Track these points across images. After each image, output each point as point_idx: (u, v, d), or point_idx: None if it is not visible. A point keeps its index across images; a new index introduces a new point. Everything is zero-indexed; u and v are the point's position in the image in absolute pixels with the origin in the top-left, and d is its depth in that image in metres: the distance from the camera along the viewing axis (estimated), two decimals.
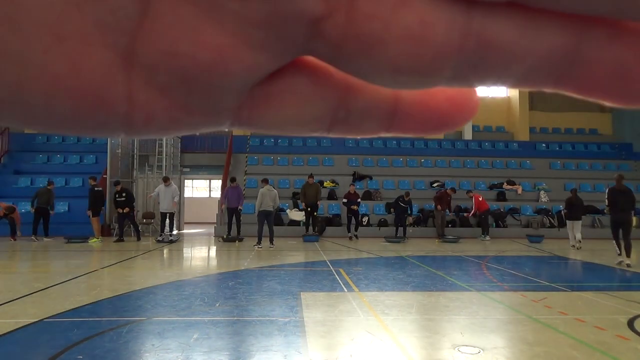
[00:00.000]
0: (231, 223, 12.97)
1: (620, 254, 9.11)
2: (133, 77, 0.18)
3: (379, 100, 0.21)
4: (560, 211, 15.70)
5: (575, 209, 12.09)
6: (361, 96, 0.21)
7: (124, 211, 13.01)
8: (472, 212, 15.03)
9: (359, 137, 0.23)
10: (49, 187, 13.23)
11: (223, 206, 13.06)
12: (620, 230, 9.09)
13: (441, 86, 0.19)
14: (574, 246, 12.11)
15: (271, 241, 11.47)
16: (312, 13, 0.17)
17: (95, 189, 13.26)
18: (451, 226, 15.86)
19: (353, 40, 0.17)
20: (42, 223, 12.94)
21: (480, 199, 14.87)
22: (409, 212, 14.65)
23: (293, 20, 0.17)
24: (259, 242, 11.29)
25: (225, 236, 13.15)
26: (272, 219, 11.70)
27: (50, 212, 13.08)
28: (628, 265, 8.78)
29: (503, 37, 0.18)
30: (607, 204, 9.51)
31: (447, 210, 15.04)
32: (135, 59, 0.18)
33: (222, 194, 14.00)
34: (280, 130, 0.22)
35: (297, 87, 0.20)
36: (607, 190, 9.61)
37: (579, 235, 12.04)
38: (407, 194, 14.60)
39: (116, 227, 14.69)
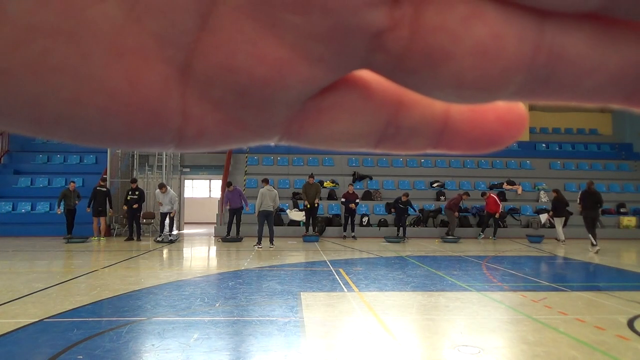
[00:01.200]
0: (231, 223, 12.98)
1: (595, 244, 11.14)
2: (188, 92, 0.18)
3: (429, 118, 0.21)
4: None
5: (561, 207, 13.42)
6: (412, 113, 0.21)
7: (134, 207, 13.17)
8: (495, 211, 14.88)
9: (403, 153, 0.23)
10: (70, 188, 13.28)
11: (227, 206, 13.03)
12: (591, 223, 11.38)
13: (502, 100, 0.19)
14: (563, 241, 13.47)
15: (271, 241, 11.48)
16: (376, 26, 0.16)
17: (97, 188, 13.33)
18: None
19: (417, 54, 0.17)
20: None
21: (486, 200, 14.83)
22: (408, 213, 14.66)
23: (356, 33, 0.17)
24: (259, 242, 11.30)
25: (224, 236, 13.16)
26: (272, 219, 11.72)
27: (87, 209, 13.27)
28: (596, 251, 11.06)
29: (575, 50, 0.17)
30: (578, 202, 11.93)
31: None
32: (191, 74, 0.17)
33: (222, 199, 14.05)
34: (328, 145, 0.22)
35: (349, 102, 0.20)
36: (580, 193, 12.15)
37: (560, 232, 13.62)
38: (406, 194, 14.60)
39: (116, 227, 14.74)
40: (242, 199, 12.86)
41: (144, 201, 13.63)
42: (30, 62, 0.16)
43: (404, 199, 14.36)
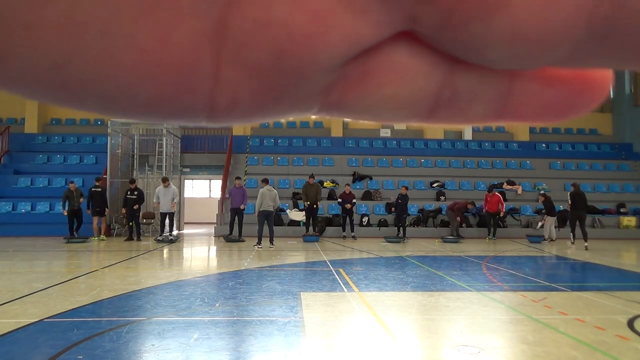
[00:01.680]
0: (233, 223, 12.99)
1: (573, 243, 12.75)
2: (222, 54, 0.16)
3: (491, 77, 0.18)
4: (559, 211, 15.77)
5: (552, 207, 14.18)
6: (471, 71, 0.18)
7: (134, 207, 13.19)
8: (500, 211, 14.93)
9: (463, 126, 0.20)
10: (71, 189, 13.27)
11: (227, 197, 13.06)
12: (578, 222, 12.63)
13: (553, 64, 0.17)
14: (551, 240, 14.03)
15: (271, 241, 11.50)
16: None
17: (92, 189, 13.30)
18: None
19: (469, 2, 0.15)
20: (75, 224, 13.24)
21: (488, 198, 14.82)
22: (408, 212, 14.65)
23: None
24: (259, 242, 11.33)
25: (227, 235, 13.17)
26: (272, 219, 11.73)
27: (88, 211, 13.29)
28: (586, 248, 11.93)
29: None
30: (569, 203, 12.84)
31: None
32: (225, 32, 0.16)
33: (224, 192, 14.16)
34: (373, 115, 0.20)
35: (396, 61, 0.18)
36: (569, 193, 13.01)
37: (553, 231, 14.21)
38: (406, 187, 14.68)
39: (116, 227, 14.74)
40: (244, 197, 12.89)
41: (143, 201, 13.63)
42: (57, 16, 0.15)
43: (403, 191, 14.36)
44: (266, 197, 11.48)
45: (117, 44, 0.15)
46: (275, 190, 11.92)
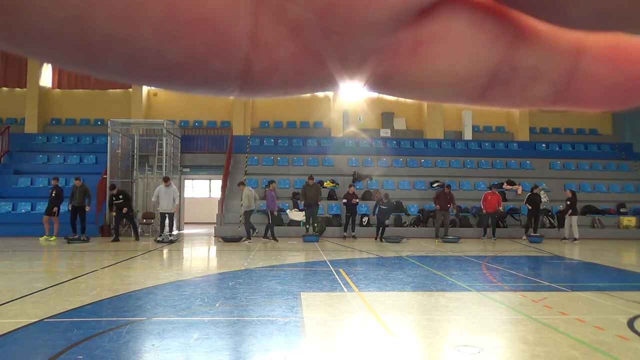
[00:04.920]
0: (269, 226, 13.58)
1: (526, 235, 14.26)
2: (260, 9, 0.14)
3: (555, 54, 0.16)
4: (559, 211, 15.79)
5: (537, 206, 14.91)
6: (534, 48, 0.16)
7: (123, 212, 13.14)
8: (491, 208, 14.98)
9: (517, 109, 0.18)
10: (77, 185, 13.17)
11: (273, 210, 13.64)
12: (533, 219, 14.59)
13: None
14: (574, 239, 14.24)
15: (249, 237, 13.10)
16: None
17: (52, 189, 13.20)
18: (451, 226, 15.86)
19: None
20: (80, 221, 13.14)
21: (489, 198, 14.83)
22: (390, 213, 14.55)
23: None
24: (249, 238, 13.06)
25: (264, 235, 13.55)
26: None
27: (86, 208, 13.14)
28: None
29: None
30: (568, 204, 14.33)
31: (451, 210, 15.00)
32: None
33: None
34: (422, 92, 0.17)
35: (454, 31, 0.16)
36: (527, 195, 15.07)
37: (576, 230, 14.43)
38: (386, 195, 14.39)
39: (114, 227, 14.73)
40: (274, 201, 13.52)
41: (130, 201, 13.61)
42: None
43: (385, 199, 14.14)
44: (252, 198, 13.02)
45: None
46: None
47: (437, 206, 14.72)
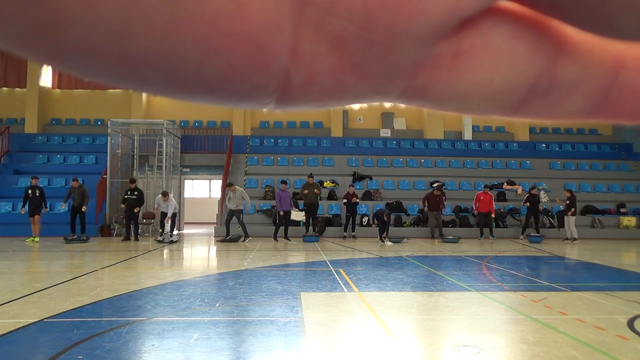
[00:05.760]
0: (280, 226, 13.78)
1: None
2: (302, 22, 0.14)
3: (595, 67, 0.16)
4: (559, 211, 15.80)
5: (535, 206, 15.02)
6: (573, 60, 0.16)
7: (135, 210, 13.15)
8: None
9: (550, 122, 0.18)
10: (74, 185, 13.12)
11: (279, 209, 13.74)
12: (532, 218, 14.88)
13: None
14: (574, 239, 14.22)
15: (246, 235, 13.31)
16: None
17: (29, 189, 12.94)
18: (451, 226, 15.87)
19: None
20: (80, 221, 13.09)
21: (482, 198, 14.83)
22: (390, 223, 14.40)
23: None
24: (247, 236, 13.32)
25: (284, 236, 13.66)
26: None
27: (83, 209, 13.09)
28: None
29: None
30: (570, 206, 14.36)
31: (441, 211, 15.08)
32: None
33: (225, 192, 14.66)
34: (460, 105, 0.17)
35: (493, 44, 0.16)
36: (526, 195, 15.25)
37: (574, 230, 14.42)
38: (388, 215, 13.66)
39: (116, 227, 14.73)
40: (291, 200, 13.70)
41: (143, 202, 13.60)
42: None
43: (385, 218, 13.46)
44: (242, 198, 13.37)
45: (187, 11, 0.13)
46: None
47: (426, 208, 14.83)
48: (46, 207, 13.00)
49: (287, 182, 14.40)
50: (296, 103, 0.16)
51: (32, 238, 12.66)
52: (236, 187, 13.50)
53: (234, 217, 13.21)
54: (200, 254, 11.27)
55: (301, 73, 0.15)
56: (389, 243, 13.16)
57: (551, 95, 0.17)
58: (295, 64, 0.15)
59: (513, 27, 0.16)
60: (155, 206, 13.50)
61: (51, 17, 0.13)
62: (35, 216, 12.70)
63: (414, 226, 15.74)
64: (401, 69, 0.16)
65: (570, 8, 0.14)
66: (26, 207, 12.72)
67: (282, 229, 13.78)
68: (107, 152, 15.55)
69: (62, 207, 13.20)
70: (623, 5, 0.13)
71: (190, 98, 0.16)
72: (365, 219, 15.56)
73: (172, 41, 0.14)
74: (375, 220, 13.87)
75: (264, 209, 15.96)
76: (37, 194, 12.77)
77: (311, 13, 0.14)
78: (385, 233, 13.50)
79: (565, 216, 14.56)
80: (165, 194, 13.29)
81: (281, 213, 13.57)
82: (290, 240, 13.40)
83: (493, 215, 14.87)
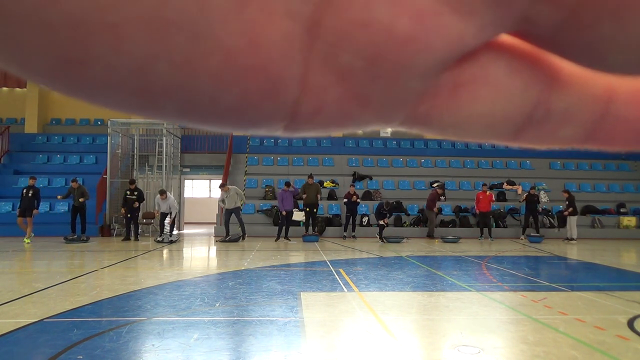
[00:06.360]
0: (283, 226, 13.76)
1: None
2: (312, 56, 0.15)
3: (588, 98, 0.17)
4: (559, 211, 15.80)
5: (533, 206, 15.05)
6: (567, 92, 0.17)
7: (134, 207, 13.13)
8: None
9: (544, 148, 0.19)
10: (73, 186, 13.10)
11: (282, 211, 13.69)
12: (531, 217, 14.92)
13: None
14: (572, 239, 14.30)
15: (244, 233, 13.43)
16: None
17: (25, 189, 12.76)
18: (451, 226, 15.87)
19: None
20: (80, 221, 13.04)
21: (481, 197, 14.82)
22: (389, 215, 14.47)
23: None
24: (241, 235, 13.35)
25: (289, 237, 13.61)
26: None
27: (80, 200, 13.03)
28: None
29: None
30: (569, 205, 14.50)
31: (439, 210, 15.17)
32: (318, 32, 0.15)
33: (219, 198, 14.68)
34: (459, 133, 0.18)
35: (493, 75, 0.16)
36: (525, 195, 15.31)
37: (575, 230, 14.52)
38: (387, 203, 14.17)
39: (116, 227, 14.73)
40: (284, 202, 13.55)
41: (143, 201, 13.60)
42: (146, 14, 0.13)
43: (386, 207, 13.89)
44: (238, 197, 13.49)
45: (205, 46, 0.14)
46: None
47: (436, 208, 14.90)
48: (37, 209, 12.68)
49: (290, 182, 14.33)
50: (303, 130, 0.18)
51: (26, 239, 12.40)
52: (228, 186, 13.49)
53: (233, 216, 13.22)
54: (200, 254, 11.27)
55: (310, 103, 0.16)
56: (382, 243, 13.29)
57: (546, 124, 0.18)
58: (304, 95, 0.16)
59: (511, 60, 0.17)
60: (157, 208, 13.51)
61: (78, 55, 0.14)
62: (27, 217, 12.43)
63: (414, 226, 15.74)
64: (405, 98, 0.17)
65: (567, 44, 0.15)
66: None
67: (282, 229, 13.78)
68: (107, 152, 15.55)
69: (59, 198, 13.17)
70: (617, 44, 0.14)
71: (204, 126, 0.17)
72: (365, 219, 15.56)
73: (189, 75, 0.15)
74: (378, 216, 13.95)
75: (264, 209, 15.96)
76: (30, 195, 12.50)
77: (321, 48, 0.15)
78: (380, 231, 13.70)
79: (567, 216, 14.54)
80: (162, 192, 13.29)
81: (283, 213, 13.54)
82: (290, 240, 13.40)
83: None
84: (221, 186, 13.60)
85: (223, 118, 0.16)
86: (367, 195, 16.94)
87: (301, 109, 0.16)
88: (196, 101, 0.15)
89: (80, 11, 0.13)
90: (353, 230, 14.57)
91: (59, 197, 13.32)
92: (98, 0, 0.13)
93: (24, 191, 12.60)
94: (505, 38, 0.16)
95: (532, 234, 14.50)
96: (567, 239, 14.48)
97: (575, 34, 0.14)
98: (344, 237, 14.61)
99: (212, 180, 23.88)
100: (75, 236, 12.83)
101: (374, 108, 0.17)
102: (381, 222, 13.66)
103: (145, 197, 14.00)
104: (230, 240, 12.94)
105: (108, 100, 0.15)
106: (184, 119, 0.16)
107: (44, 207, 15.08)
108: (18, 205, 12.68)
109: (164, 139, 15.91)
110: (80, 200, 13.00)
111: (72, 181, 13.35)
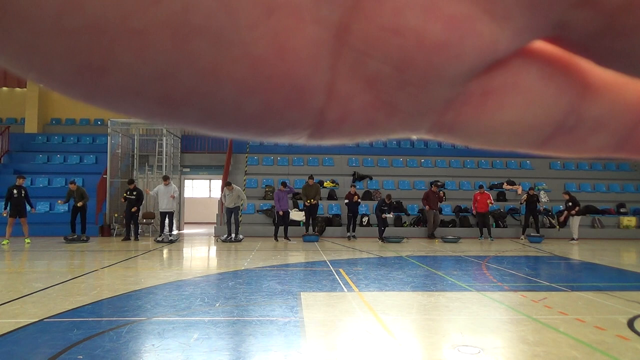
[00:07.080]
0: (280, 226, 13.76)
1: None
2: (339, 63, 0.15)
3: (621, 107, 0.17)
4: (559, 211, 15.80)
5: (533, 206, 15.07)
6: (600, 100, 0.16)
7: (132, 210, 13.14)
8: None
9: (573, 157, 0.18)
10: (72, 188, 13.08)
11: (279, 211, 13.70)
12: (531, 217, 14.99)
13: None
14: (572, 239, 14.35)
15: (237, 233, 13.35)
16: None
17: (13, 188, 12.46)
18: (451, 226, 15.87)
19: None
20: (80, 221, 13.05)
21: (478, 198, 14.83)
22: (390, 213, 14.54)
23: None
24: (230, 235, 13.28)
25: (284, 236, 13.57)
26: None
27: (79, 204, 13.02)
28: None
29: None
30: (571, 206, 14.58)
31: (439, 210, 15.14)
32: (346, 38, 0.14)
33: (220, 197, 14.64)
34: (487, 141, 0.18)
35: (524, 82, 0.16)
36: (525, 196, 15.28)
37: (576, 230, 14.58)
38: (389, 196, 14.42)
39: (117, 226, 14.73)
40: (280, 202, 13.58)
41: (142, 201, 13.60)
42: (170, 21, 0.13)
43: (387, 200, 14.22)
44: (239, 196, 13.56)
45: (230, 54, 0.14)
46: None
47: (427, 207, 14.82)
48: (33, 208, 12.57)
49: (287, 182, 14.32)
50: (328, 138, 0.17)
51: (4, 241, 11.78)
52: (234, 186, 13.49)
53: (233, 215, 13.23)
54: (200, 254, 11.27)
55: (335, 111, 0.16)
56: (382, 243, 13.28)
57: (576, 132, 0.17)
58: (330, 103, 0.16)
59: (543, 66, 0.16)
60: (154, 194, 13.48)
61: (100, 61, 0.13)
62: (22, 218, 12.20)
63: (414, 226, 15.74)
64: (432, 106, 0.16)
65: (604, 50, 0.14)
66: (8, 208, 12.14)
67: (281, 228, 13.75)
68: (107, 152, 15.55)
69: (60, 203, 13.24)
70: None
71: (225, 133, 0.16)
72: (365, 219, 15.57)
73: (212, 82, 0.14)
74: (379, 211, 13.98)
75: (264, 209, 15.96)
76: (23, 194, 12.28)
77: (349, 54, 0.15)
78: (382, 230, 13.72)
79: (570, 216, 14.52)
80: (166, 178, 13.32)
81: (280, 213, 13.53)
82: (290, 240, 13.39)
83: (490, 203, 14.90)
84: (227, 184, 13.58)
85: (246, 126, 0.16)
86: (367, 195, 16.94)
87: (327, 117, 0.16)
88: (219, 109, 0.15)
89: (104, 17, 0.13)
90: (353, 230, 14.55)
91: (59, 202, 13.31)
92: (122, 6, 0.12)
93: (15, 191, 12.26)
94: (537, 43, 0.16)
95: (532, 234, 14.50)
96: (572, 239, 14.45)
97: (614, 40, 0.14)
98: (349, 237, 14.46)
99: (212, 180, 23.89)
100: (75, 236, 12.83)
101: (401, 116, 0.16)
102: (383, 216, 13.70)
103: (145, 197, 13.99)
104: (231, 240, 12.95)
105: (128, 107, 0.15)
106: (206, 126, 0.16)
107: (44, 207, 15.09)
108: (7, 206, 12.23)
109: (164, 138, 15.91)
110: (79, 204, 12.99)
111: (70, 183, 13.32)
